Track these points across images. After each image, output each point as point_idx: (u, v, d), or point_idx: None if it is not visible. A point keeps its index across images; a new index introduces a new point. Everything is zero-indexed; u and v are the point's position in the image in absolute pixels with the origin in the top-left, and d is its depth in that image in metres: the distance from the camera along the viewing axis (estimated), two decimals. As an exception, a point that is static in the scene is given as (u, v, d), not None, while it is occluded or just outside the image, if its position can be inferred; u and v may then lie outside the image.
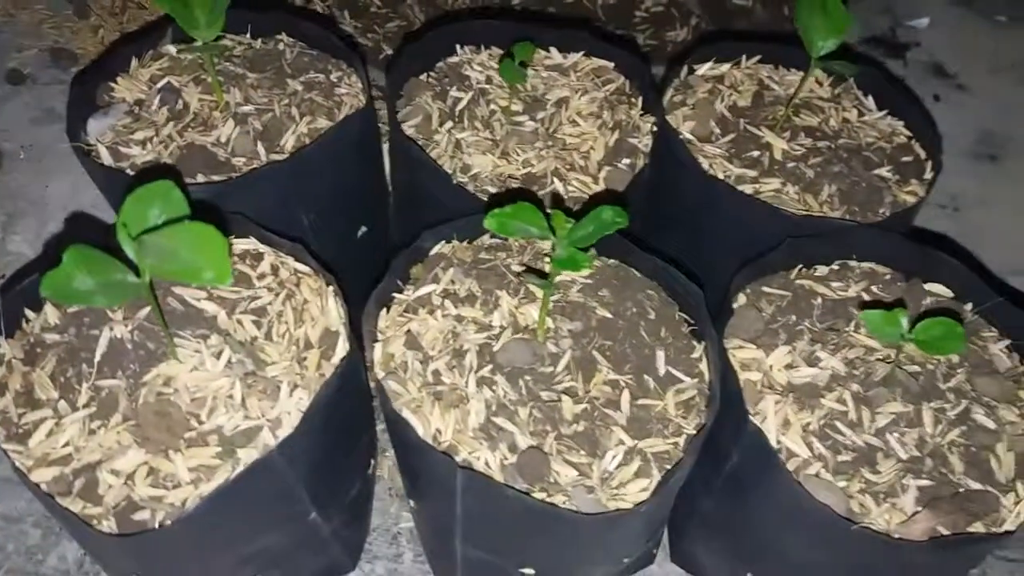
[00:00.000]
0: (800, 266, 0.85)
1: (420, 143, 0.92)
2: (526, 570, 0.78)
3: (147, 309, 0.73)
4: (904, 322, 0.71)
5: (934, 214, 1.38)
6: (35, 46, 1.48)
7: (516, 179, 0.90)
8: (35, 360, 0.72)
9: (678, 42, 1.48)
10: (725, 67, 1.02)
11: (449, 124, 0.94)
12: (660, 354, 0.77)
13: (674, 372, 0.76)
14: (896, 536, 0.68)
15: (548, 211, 0.68)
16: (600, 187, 0.90)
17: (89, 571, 0.93)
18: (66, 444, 0.68)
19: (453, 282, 0.80)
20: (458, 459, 0.69)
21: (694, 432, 0.72)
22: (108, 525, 0.65)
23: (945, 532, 0.68)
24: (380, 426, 0.97)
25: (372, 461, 0.91)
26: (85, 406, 0.69)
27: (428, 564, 0.95)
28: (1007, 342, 0.81)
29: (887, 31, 1.68)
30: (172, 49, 0.97)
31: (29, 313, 0.75)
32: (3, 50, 1.47)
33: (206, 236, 0.55)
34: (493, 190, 0.88)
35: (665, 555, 0.98)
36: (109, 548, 0.68)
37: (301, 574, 0.88)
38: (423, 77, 1.00)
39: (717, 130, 0.95)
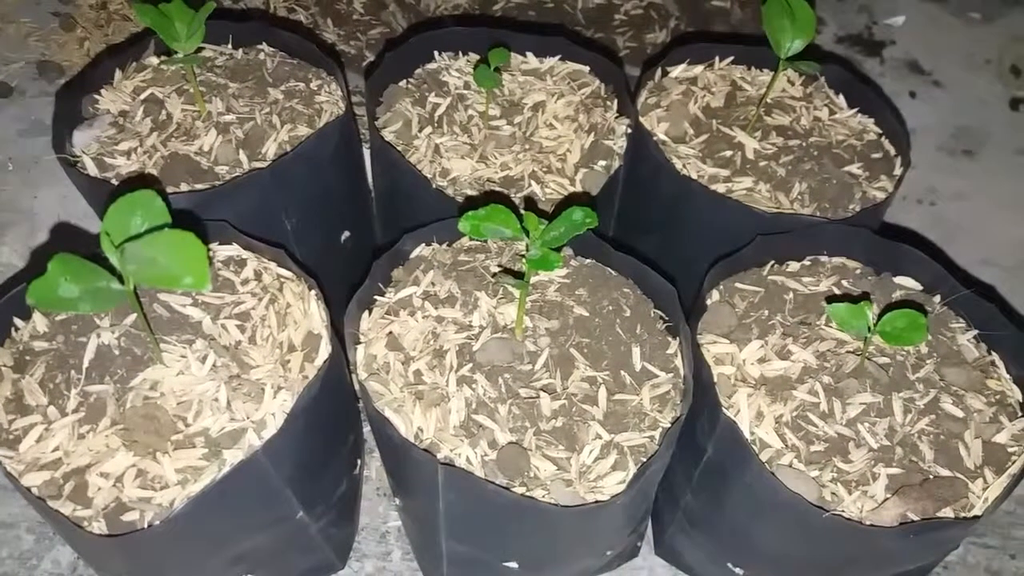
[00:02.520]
0: (772, 262, 0.87)
1: (400, 148, 0.93)
2: (510, 564, 0.80)
3: (133, 316, 0.75)
4: (869, 315, 0.73)
5: (912, 208, 1.40)
6: (22, 59, 1.49)
7: (494, 182, 0.92)
8: (24, 367, 0.73)
9: (657, 44, 1.50)
10: (698, 69, 1.04)
11: (428, 129, 0.96)
12: (636, 350, 0.79)
13: (649, 367, 0.78)
14: (867, 523, 0.70)
15: (521, 213, 0.70)
16: (577, 189, 0.92)
17: (83, 574, 0.95)
18: (56, 448, 0.69)
19: (433, 284, 0.82)
20: (440, 456, 0.71)
21: (669, 425, 0.74)
22: (98, 526, 0.66)
23: (915, 518, 0.70)
24: (367, 427, 0.99)
25: (359, 461, 0.93)
26: (74, 411, 0.71)
27: (416, 561, 0.97)
28: (975, 332, 0.83)
29: (864, 29, 1.70)
30: (155, 61, 0.99)
31: (18, 322, 0.77)
32: (-10, 64, 1.49)
33: (185, 243, 0.56)
34: (472, 193, 0.90)
35: (649, 548, 1.00)
36: (100, 549, 0.70)
37: (291, 573, 0.89)
38: (402, 84, 1.02)
39: (691, 131, 0.97)
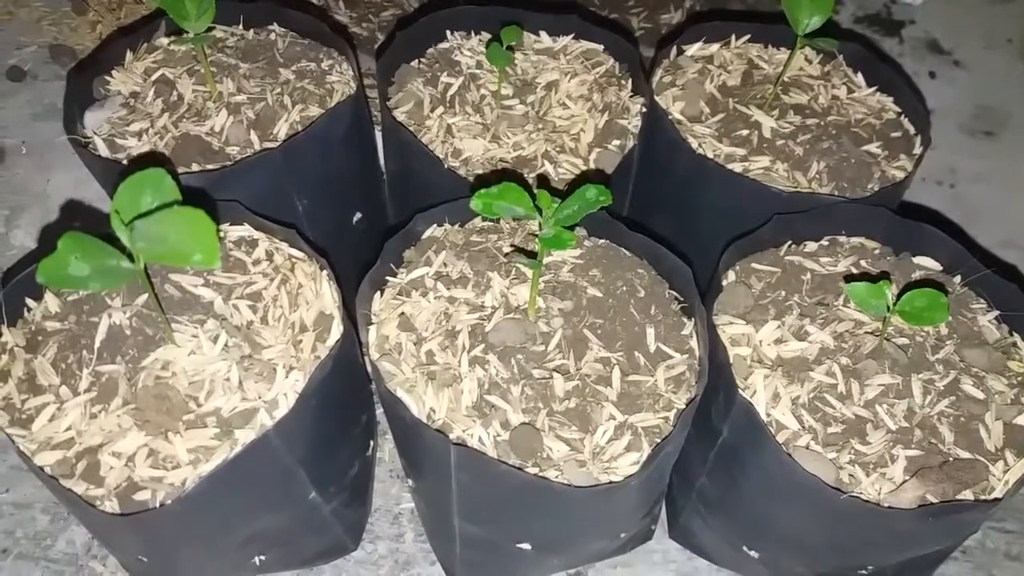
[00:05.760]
0: (789, 242, 0.86)
1: (412, 129, 0.93)
2: (523, 545, 0.79)
3: (145, 296, 0.74)
4: (889, 294, 0.72)
5: (932, 190, 1.38)
6: (34, 43, 1.49)
7: (507, 162, 0.91)
8: (37, 347, 0.73)
9: (672, 25, 1.48)
10: (714, 47, 1.03)
11: (440, 109, 0.95)
12: (650, 331, 0.78)
13: (664, 348, 0.77)
14: (885, 505, 0.69)
15: (534, 191, 0.69)
16: (590, 168, 0.91)
17: (97, 555, 0.95)
18: (68, 428, 0.69)
19: (445, 264, 0.81)
20: (452, 437, 0.70)
21: (684, 406, 0.73)
22: (110, 506, 0.66)
23: (934, 500, 0.69)
24: (380, 408, 0.98)
25: (371, 442, 0.93)
26: (86, 391, 0.71)
27: (429, 543, 0.97)
28: (996, 313, 0.81)
29: (882, 9, 1.67)
30: (166, 41, 0.98)
31: (30, 302, 0.77)
32: (3, 47, 1.49)
33: (195, 220, 0.56)
34: (484, 173, 0.89)
35: (664, 531, 0.99)
36: (112, 528, 0.70)
37: (304, 554, 0.89)
38: (414, 63, 1.01)
39: (707, 110, 0.96)
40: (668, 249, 0.81)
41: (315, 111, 0.91)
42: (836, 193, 0.89)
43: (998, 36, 1.63)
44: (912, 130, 0.96)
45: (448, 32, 1.03)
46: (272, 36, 1.00)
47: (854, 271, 0.83)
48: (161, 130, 0.89)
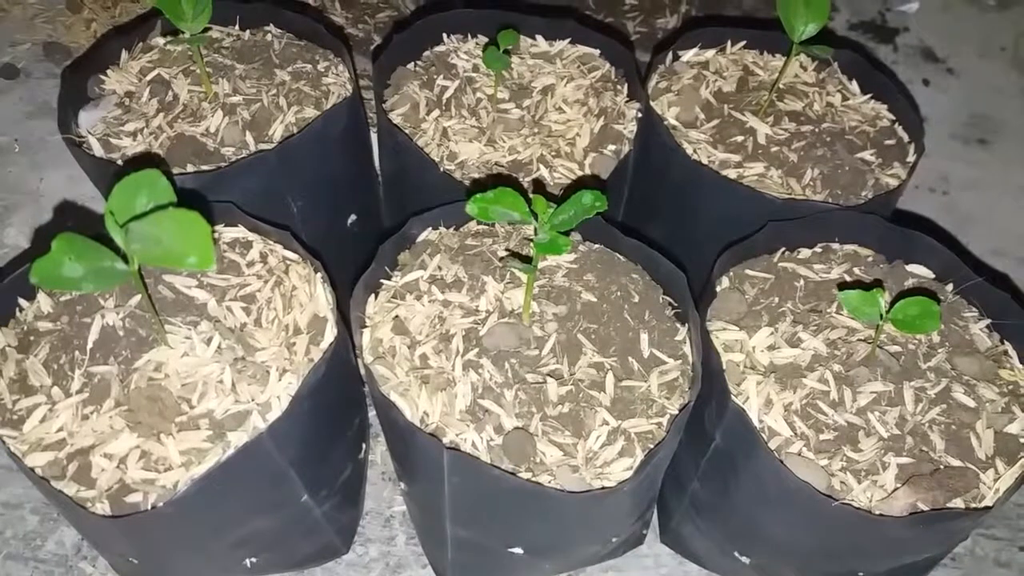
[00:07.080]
0: (783, 249, 0.86)
1: (407, 131, 0.93)
2: (515, 549, 0.79)
3: (139, 297, 0.74)
4: (882, 302, 0.72)
5: (924, 197, 1.39)
6: (28, 40, 1.49)
7: (502, 166, 0.91)
8: (28, 348, 0.73)
9: (668, 30, 1.49)
10: (710, 53, 1.03)
11: (436, 112, 0.95)
12: (644, 337, 0.78)
13: (658, 354, 0.77)
14: (876, 512, 0.69)
15: (530, 196, 0.69)
16: (586, 173, 0.91)
17: (87, 556, 0.95)
18: (60, 429, 0.69)
19: (440, 268, 0.81)
20: (445, 441, 0.70)
21: (677, 412, 0.73)
22: (102, 507, 0.66)
23: (925, 508, 0.69)
24: (373, 411, 0.98)
25: (364, 445, 0.93)
26: (78, 392, 0.70)
27: (421, 546, 0.97)
28: (987, 322, 0.82)
29: (877, 16, 1.68)
30: (161, 41, 0.98)
31: (23, 302, 0.76)
32: (-4, 45, 1.49)
33: (190, 222, 0.56)
34: (479, 176, 0.89)
35: (655, 536, 1.00)
36: (103, 530, 0.70)
37: (295, 557, 0.89)
38: (410, 66, 1.01)
39: (702, 116, 0.96)
40: (662, 255, 0.82)
41: (311, 113, 0.91)
42: (830, 200, 0.89)
43: (992, 45, 1.64)
44: (906, 138, 0.97)
45: (444, 35, 1.03)
46: (268, 37, 0.99)
47: (847, 278, 0.84)
48: (156, 130, 0.89)
